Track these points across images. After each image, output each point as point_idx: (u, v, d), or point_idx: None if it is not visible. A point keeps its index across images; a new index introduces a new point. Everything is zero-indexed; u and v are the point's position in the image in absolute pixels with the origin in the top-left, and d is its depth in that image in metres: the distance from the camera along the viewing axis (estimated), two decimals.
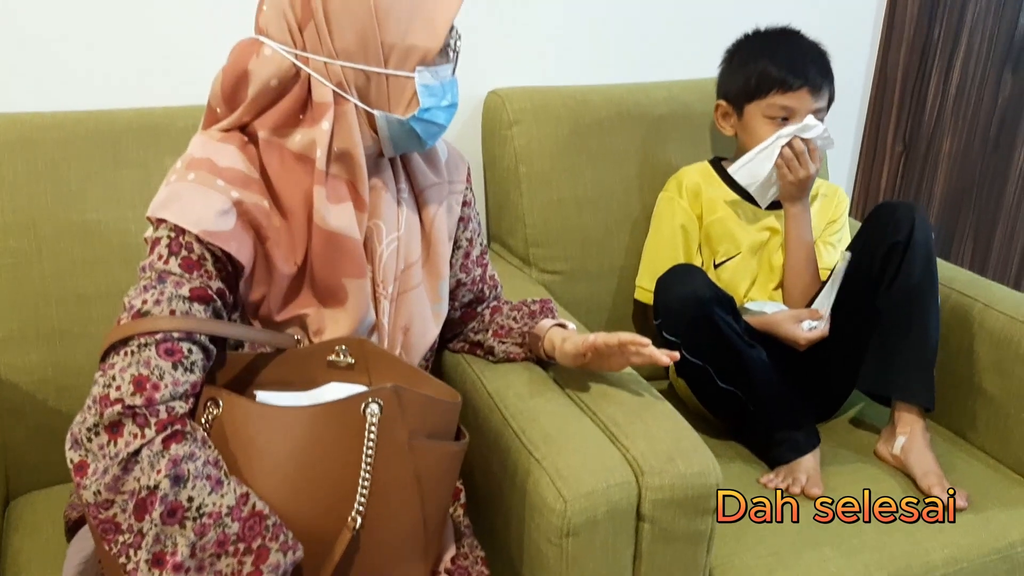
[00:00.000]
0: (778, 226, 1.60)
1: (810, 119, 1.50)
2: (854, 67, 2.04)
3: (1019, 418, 1.47)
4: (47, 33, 1.40)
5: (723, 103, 1.59)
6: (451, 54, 1.09)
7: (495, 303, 1.34)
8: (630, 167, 1.69)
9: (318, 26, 1.00)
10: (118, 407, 0.89)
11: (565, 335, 1.23)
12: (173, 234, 0.98)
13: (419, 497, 0.99)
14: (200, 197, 0.99)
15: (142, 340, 0.93)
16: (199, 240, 0.97)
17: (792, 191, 1.54)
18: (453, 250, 1.26)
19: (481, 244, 1.31)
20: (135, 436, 0.89)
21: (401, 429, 0.98)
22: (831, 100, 1.58)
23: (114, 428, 0.89)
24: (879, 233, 1.47)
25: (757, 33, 1.58)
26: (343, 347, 1.05)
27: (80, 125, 1.34)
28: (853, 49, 2.02)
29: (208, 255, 0.98)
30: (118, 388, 0.90)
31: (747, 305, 1.58)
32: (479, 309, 1.33)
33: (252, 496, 0.92)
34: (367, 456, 0.96)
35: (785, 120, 1.52)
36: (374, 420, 0.96)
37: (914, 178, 2.27)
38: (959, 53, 2.18)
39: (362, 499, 0.95)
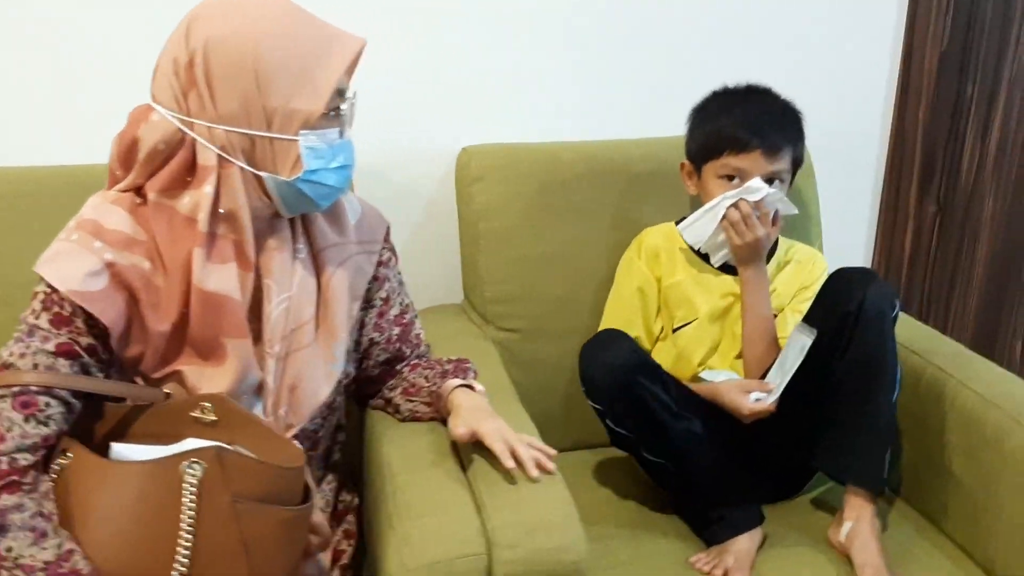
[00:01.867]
0: (737, 291, 1.54)
1: (755, 182, 1.44)
2: (868, 127, 1.94)
3: (987, 507, 1.35)
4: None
5: (686, 162, 1.55)
6: (340, 116, 1.11)
7: (416, 361, 1.34)
8: (600, 225, 1.66)
9: (201, 92, 1.04)
10: None
11: (461, 403, 1.22)
12: (48, 290, 1.04)
13: (246, 564, 0.99)
14: (75, 258, 1.04)
15: (0, 392, 0.99)
16: (70, 299, 1.02)
17: (742, 255, 1.47)
18: (366, 309, 1.28)
19: (402, 303, 1.32)
20: None
21: (223, 492, 0.99)
22: (797, 163, 1.51)
23: None
24: (831, 302, 1.39)
25: (724, 91, 1.53)
26: (208, 404, 1.08)
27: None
28: (866, 109, 1.92)
29: (80, 312, 1.03)
30: None
31: (701, 374, 1.52)
32: (398, 367, 1.33)
33: (76, 555, 0.95)
34: (187, 518, 0.98)
35: (737, 181, 1.47)
36: (193, 481, 0.98)
37: (952, 242, 2.13)
38: (997, 109, 2.04)
39: (184, 561, 0.97)
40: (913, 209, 2.04)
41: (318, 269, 1.19)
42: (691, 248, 1.55)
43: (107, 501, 0.99)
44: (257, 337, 1.13)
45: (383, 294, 1.29)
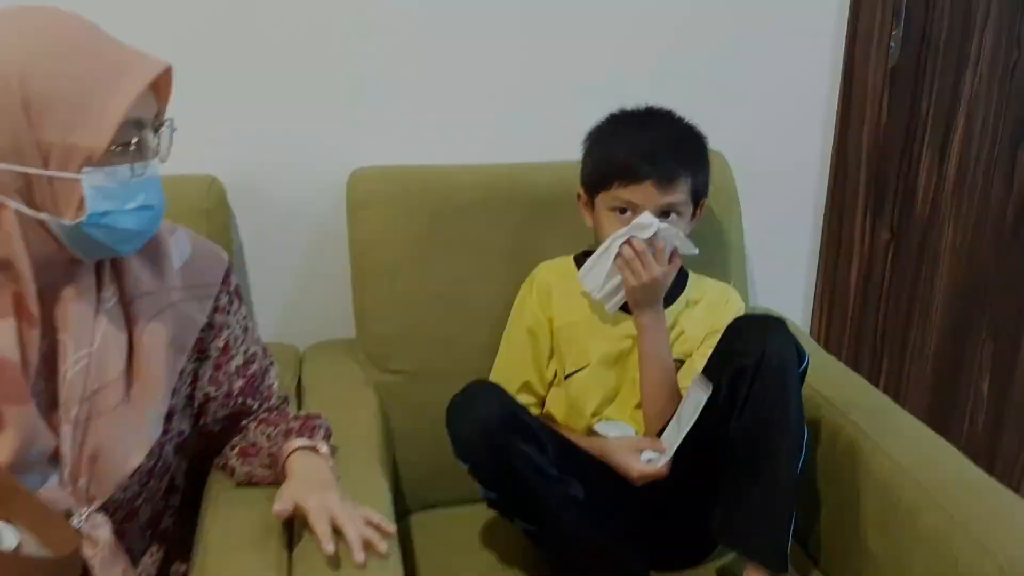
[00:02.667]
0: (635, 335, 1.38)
1: (644, 217, 1.28)
2: (807, 151, 1.78)
3: None
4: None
5: (581, 191, 1.40)
6: (139, 150, 0.97)
7: (265, 415, 1.20)
8: (497, 258, 1.51)
9: None
10: None
11: (295, 470, 1.08)
12: None
13: None
14: None
15: None
16: None
17: (637, 296, 1.32)
18: (200, 360, 1.13)
19: (247, 352, 1.18)
20: None
21: None
22: (698, 194, 1.36)
23: None
24: (728, 353, 1.24)
25: (620, 113, 1.38)
26: None
27: None
28: (805, 132, 1.76)
29: None
30: None
31: (595, 427, 1.37)
32: (244, 423, 1.19)
33: None
34: None
35: (629, 215, 1.31)
36: None
37: (908, 273, 1.97)
38: (957, 128, 1.88)
39: None
40: (861, 238, 1.88)
41: (130, 320, 1.05)
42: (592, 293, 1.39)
43: None
44: (53, 400, 0.99)
45: (220, 343, 1.14)
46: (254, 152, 1.56)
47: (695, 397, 1.25)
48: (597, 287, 1.34)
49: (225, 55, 1.50)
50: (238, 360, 1.16)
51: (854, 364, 1.98)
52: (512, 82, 1.61)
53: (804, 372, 1.26)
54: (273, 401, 1.22)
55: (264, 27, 1.51)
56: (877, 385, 1.91)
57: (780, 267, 1.83)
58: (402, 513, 1.50)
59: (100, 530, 1.00)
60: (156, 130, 0.97)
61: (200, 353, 1.13)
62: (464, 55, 1.58)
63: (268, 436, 1.16)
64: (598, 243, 1.37)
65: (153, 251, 1.07)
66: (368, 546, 1.00)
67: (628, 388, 1.39)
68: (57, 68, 0.90)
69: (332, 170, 1.56)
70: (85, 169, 0.92)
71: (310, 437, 1.14)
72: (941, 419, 2.10)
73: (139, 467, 1.04)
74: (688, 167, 1.32)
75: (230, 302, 1.15)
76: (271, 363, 1.23)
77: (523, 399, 1.40)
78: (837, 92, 1.74)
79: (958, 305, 2.02)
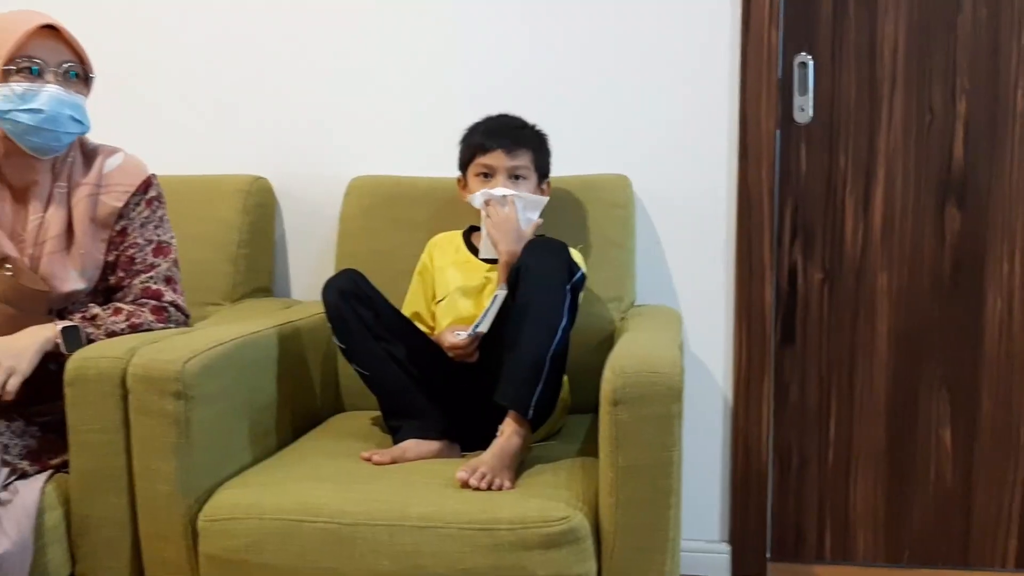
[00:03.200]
0: (493, 276, 1.84)
1: (497, 190, 1.81)
2: (713, 188, 2.15)
3: None
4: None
5: (459, 176, 1.95)
6: (36, 76, 1.58)
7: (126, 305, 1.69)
8: (422, 235, 2.04)
9: None
10: None
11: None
12: None
13: None
14: None
15: None
16: None
17: (493, 235, 1.79)
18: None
19: (137, 246, 1.71)
20: None
21: None
22: (541, 169, 1.87)
23: None
24: (516, 266, 1.68)
25: (484, 117, 1.93)
26: None
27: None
28: (709, 172, 2.14)
29: None
30: None
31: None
32: (116, 296, 1.72)
33: None
34: None
35: (488, 177, 1.84)
36: None
37: (847, 313, 2.21)
38: (877, 184, 2.17)
39: None
40: (772, 266, 2.16)
41: (70, 201, 1.66)
42: (467, 247, 1.90)
43: None
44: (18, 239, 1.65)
45: (119, 226, 1.69)
46: (293, 158, 2.28)
47: (495, 294, 1.70)
48: (487, 248, 1.83)
49: (271, 81, 2.27)
50: (128, 246, 1.70)
51: (801, 393, 2.22)
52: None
53: (577, 282, 1.66)
54: (131, 297, 1.69)
55: (294, 62, 2.26)
56: (828, 426, 2.22)
57: (699, 286, 2.17)
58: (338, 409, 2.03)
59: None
60: (60, 67, 1.61)
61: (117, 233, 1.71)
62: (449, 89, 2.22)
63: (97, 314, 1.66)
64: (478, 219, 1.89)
65: (91, 158, 1.72)
66: None
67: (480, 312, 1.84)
68: None
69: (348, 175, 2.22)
70: None
71: (85, 320, 1.62)
72: (903, 468, 2.21)
73: (71, 292, 1.66)
74: (527, 144, 1.85)
75: (138, 203, 1.73)
76: (167, 279, 1.70)
77: (418, 323, 1.90)
78: (736, 136, 2.13)
79: (904, 348, 2.19)
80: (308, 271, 2.30)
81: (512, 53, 2.19)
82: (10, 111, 1.58)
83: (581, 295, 1.70)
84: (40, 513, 1.48)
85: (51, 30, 1.61)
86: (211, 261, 2.08)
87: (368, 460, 1.63)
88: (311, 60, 2.26)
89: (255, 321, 1.81)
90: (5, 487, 1.49)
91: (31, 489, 1.50)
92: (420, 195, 2.11)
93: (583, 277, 1.69)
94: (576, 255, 1.83)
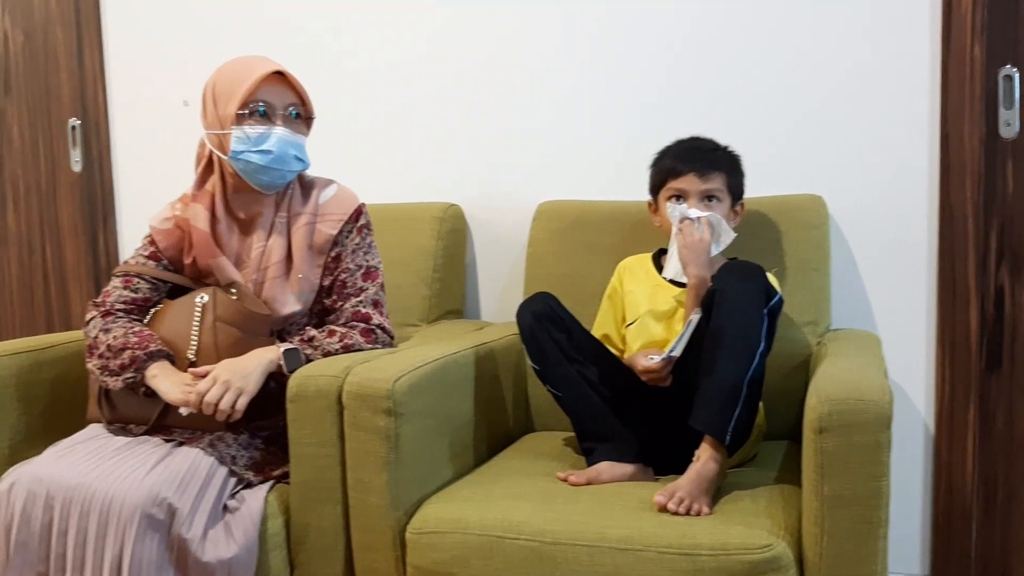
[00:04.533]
0: (684, 300, 1.85)
1: (693, 211, 1.80)
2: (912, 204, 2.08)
3: None
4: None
5: (650, 200, 1.96)
6: (268, 119, 1.72)
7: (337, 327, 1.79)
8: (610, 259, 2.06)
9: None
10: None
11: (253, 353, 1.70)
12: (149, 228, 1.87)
13: (217, 356, 1.69)
14: (161, 210, 1.86)
15: (116, 272, 1.83)
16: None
17: (684, 256, 1.79)
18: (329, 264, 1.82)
19: (348, 270, 1.81)
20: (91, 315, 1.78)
21: (210, 313, 1.71)
22: (734, 189, 1.85)
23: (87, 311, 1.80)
24: (710, 289, 1.69)
25: (675, 141, 1.93)
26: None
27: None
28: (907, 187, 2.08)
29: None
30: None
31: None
32: (328, 318, 1.83)
33: (148, 333, 1.72)
34: (195, 323, 1.71)
35: (680, 200, 1.85)
36: (199, 303, 1.73)
37: None
38: None
39: (193, 348, 1.71)
40: (979, 291, 2.05)
41: (290, 230, 1.79)
42: (656, 270, 1.92)
43: (168, 313, 1.77)
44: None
45: (334, 253, 1.81)
46: (483, 186, 2.36)
47: (690, 319, 1.71)
48: (675, 269, 1.84)
49: (463, 115, 2.37)
50: (341, 271, 1.81)
51: (1009, 422, 2.09)
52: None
53: (774, 306, 1.64)
54: (343, 320, 1.78)
55: (489, 96, 2.35)
56: None
57: (897, 313, 2.09)
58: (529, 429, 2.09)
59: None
60: (286, 109, 1.74)
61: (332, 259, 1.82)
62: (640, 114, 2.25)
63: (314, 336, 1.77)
64: (666, 239, 1.90)
65: (308, 190, 1.85)
66: (209, 407, 1.59)
67: (673, 340, 1.85)
68: (221, 76, 1.77)
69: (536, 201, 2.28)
70: (232, 127, 1.73)
71: (303, 342, 1.73)
72: None
73: (290, 315, 1.79)
74: (719, 166, 1.84)
75: (350, 231, 1.83)
76: (375, 303, 1.79)
77: (608, 346, 1.93)
78: (937, 153, 2.05)
79: None
80: (497, 294, 2.37)
81: (701, 75, 2.20)
82: (243, 152, 1.72)
83: (778, 319, 1.68)
84: (263, 520, 1.59)
85: (279, 75, 1.75)
86: (409, 284, 2.18)
87: (564, 480, 1.67)
88: (500, 92, 2.34)
89: (453, 342, 1.88)
90: (233, 495, 1.62)
91: (256, 498, 1.61)
92: (607, 219, 2.14)
93: (780, 301, 1.67)
94: (771, 278, 1.81)
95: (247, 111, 1.72)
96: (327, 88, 2.34)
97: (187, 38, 2.58)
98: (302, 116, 1.79)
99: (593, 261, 2.10)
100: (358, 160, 2.42)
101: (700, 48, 2.19)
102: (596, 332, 1.94)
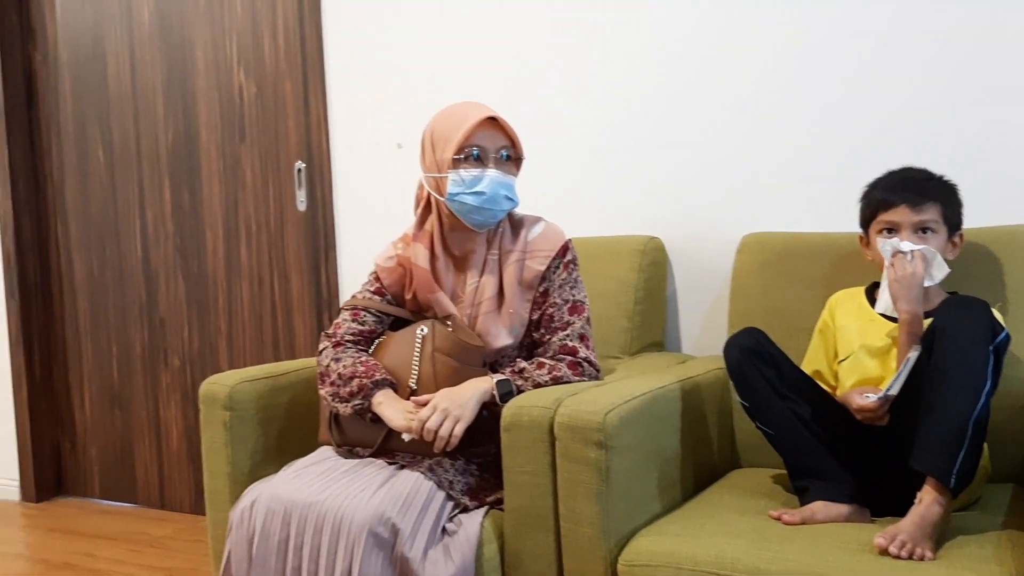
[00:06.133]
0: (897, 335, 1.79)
1: (904, 244, 1.75)
2: None
3: None
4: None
5: (861, 234, 1.91)
6: (481, 162, 1.82)
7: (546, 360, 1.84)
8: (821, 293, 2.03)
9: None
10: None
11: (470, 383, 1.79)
12: (375, 266, 2.01)
13: (436, 385, 1.80)
14: (385, 249, 2.00)
15: (345, 307, 1.98)
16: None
17: (895, 291, 1.73)
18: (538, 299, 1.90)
19: (556, 304, 1.87)
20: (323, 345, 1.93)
21: (430, 344, 1.83)
22: (950, 220, 1.78)
23: (319, 342, 1.96)
24: (931, 325, 1.63)
25: (884, 174, 1.87)
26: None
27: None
28: None
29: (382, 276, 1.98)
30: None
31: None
32: (537, 350, 1.90)
33: (374, 363, 1.85)
34: (415, 354, 1.83)
35: (892, 232, 1.80)
36: (419, 335, 1.85)
37: None
38: None
39: (414, 377, 1.84)
40: None
41: (501, 266, 1.88)
42: (868, 303, 1.87)
43: (391, 344, 1.90)
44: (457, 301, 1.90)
45: (542, 288, 1.88)
46: (684, 218, 2.38)
47: (908, 356, 1.65)
48: (886, 304, 1.79)
49: (663, 147, 2.39)
50: (549, 305, 1.88)
51: None
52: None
53: (1001, 343, 1.57)
54: (551, 353, 1.85)
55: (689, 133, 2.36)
56: None
57: None
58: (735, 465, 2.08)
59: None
60: (498, 152, 1.84)
61: (540, 294, 1.89)
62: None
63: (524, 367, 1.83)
64: (879, 273, 1.85)
65: (517, 227, 1.93)
66: (429, 433, 1.68)
67: (890, 375, 1.79)
68: (438, 123, 1.87)
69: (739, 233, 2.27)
70: (448, 171, 1.84)
71: (514, 373, 1.80)
72: None
73: (502, 347, 1.87)
74: (934, 196, 1.77)
75: (558, 267, 1.90)
76: (581, 337, 1.84)
77: (819, 383, 1.89)
78: None
79: None
80: (699, 327, 2.37)
81: (910, 106, 2.14)
82: (459, 194, 1.83)
83: (1004, 356, 1.60)
84: (480, 545, 1.67)
85: (492, 120, 1.84)
86: (611, 317, 2.22)
87: (777, 519, 1.65)
88: (702, 124, 2.36)
89: (659, 376, 1.91)
90: (451, 519, 1.70)
91: (473, 522, 1.69)
92: (815, 251, 2.10)
93: (1008, 338, 1.60)
94: (996, 314, 1.72)
95: (462, 155, 1.82)
96: (532, 126, 2.44)
97: (401, 87, 2.76)
98: (512, 157, 1.88)
99: (801, 295, 2.07)
100: (561, 194, 2.50)
101: (911, 81, 2.13)
102: (806, 367, 1.91)
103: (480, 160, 1.83)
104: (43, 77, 3.46)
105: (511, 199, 1.87)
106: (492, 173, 1.82)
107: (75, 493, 3.57)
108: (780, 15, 2.26)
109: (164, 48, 3.19)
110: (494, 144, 1.84)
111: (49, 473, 3.57)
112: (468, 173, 1.82)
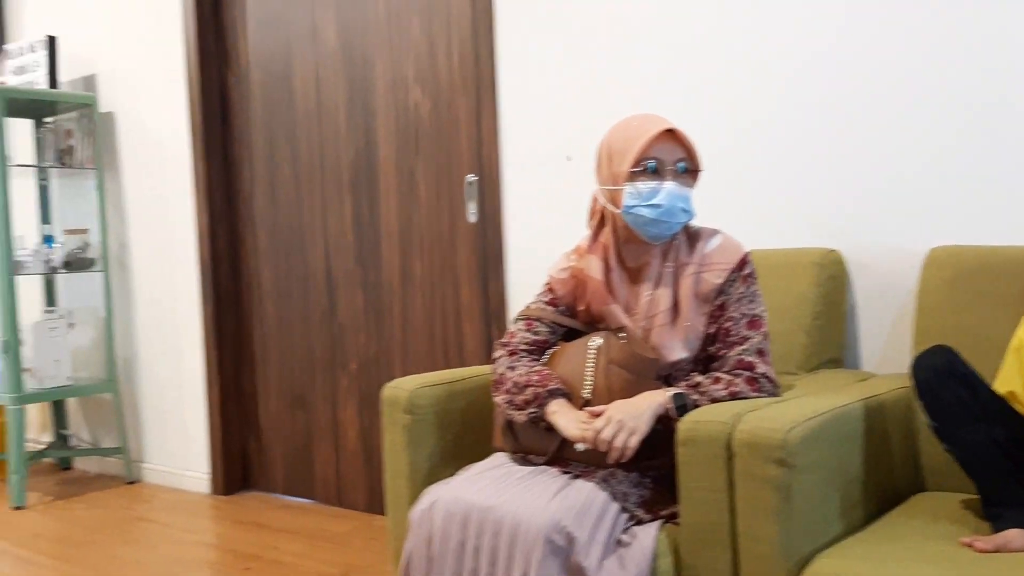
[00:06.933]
0: None
1: None
2: None
3: None
4: None
5: None
6: (655, 175, 1.83)
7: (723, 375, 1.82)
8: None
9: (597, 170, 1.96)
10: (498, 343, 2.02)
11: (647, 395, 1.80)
12: (548, 277, 2.05)
13: (608, 397, 1.82)
14: (558, 261, 2.03)
15: (520, 316, 2.03)
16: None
17: None
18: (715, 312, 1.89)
19: (733, 319, 1.84)
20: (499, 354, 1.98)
21: (604, 355, 1.85)
22: None
23: (494, 350, 2.01)
24: None
25: None
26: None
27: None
28: None
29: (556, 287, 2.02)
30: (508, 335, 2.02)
31: None
32: (713, 365, 1.86)
33: (548, 372, 1.89)
34: (589, 363, 1.86)
35: None
36: (593, 346, 1.87)
37: None
38: None
39: (588, 387, 1.86)
40: None
41: (676, 279, 1.87)
42: None
43: (564, 355, 1.93)
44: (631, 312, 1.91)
45: (719, 301, 1.85)
46: (866, 230, 2.30)
47: None
48: None
49: (844, 155, 2.31)
50: (726, 319, 1.86)
51: None
52: None
53: None
54: (727, 367, 1.84)
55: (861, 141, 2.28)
56: None
57: None
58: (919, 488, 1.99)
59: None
60: (675, 164, 1.83)
61: (717, 307, 1.87)
62: None
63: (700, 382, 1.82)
64: None
65: (693, 240, 1.91)
66: (603, 444, 1.69)
67: None
68: (615, 136, 1.88)
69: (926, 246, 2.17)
70: (625, 184, 1.84)
71: (689, 387, 1.79)
72: None
73: (676, 360, 1.86)
74: None
75: (735, 280, 1.87)
76: (759, 352, 1.81)
77: (1013, 404, 1.79)
78: None
79: None
80: (880, 343, 2.29)
81: None
82: (635, 207, 1.84)
83: None
84: (654, 558, 1.67)
85: (669, 132, 1.85)
86: (788, 332, 2.17)
87: (969, 546, 1.57)
88: (884, 130, 2.28)
89: (840, 393, 1.85)
90: (625, 531, 1.71)
91: (647, 535, 1.70)
92: (1012, 266, 1.99)
93: None
94: None
95: (640, 168, 1.83)
96: (706, 137, 2.42)
97: (569, 101, 2.79)
98: (689, 170, 1.87)
99: (994, 312, 1.96)
100: (738, 206, 2.47)
101: None
102: (1000, 388, 1.80)
103: (657, 173, 1.84)
104: (236, 98, 3.71)
105: (687, 211, 1.86)
106: (669, 186, 1.83)
107: (259, 488, 3.79)
108: (976, 5, 2.15)
109: (347, 68, 3.36)
110: (671, 156, 1.85)
111: (237, 469, 3.82)
112: (645, 186, 1.83)
